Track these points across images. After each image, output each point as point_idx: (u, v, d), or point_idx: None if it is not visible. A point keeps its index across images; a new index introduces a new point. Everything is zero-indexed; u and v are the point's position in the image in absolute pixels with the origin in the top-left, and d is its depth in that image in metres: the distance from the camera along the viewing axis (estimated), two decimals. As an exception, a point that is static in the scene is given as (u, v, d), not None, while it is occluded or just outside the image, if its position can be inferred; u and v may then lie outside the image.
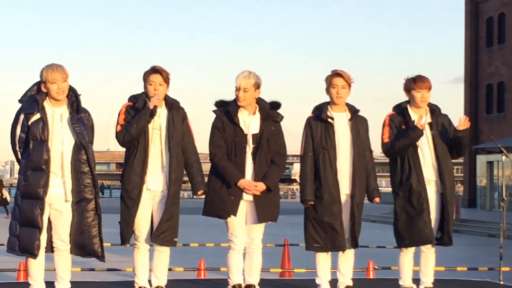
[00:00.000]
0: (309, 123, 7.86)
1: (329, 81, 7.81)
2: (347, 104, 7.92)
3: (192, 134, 7.76)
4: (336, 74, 7.79)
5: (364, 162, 7.84)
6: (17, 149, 7.23)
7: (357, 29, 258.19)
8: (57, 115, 7.20)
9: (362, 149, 7.82)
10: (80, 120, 7.23)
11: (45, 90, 7.18)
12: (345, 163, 7.79)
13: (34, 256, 7.13)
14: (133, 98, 7.68)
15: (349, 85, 7.82)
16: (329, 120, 7.78)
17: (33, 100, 7.17)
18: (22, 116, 7.17)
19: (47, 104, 7.20)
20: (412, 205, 7.81)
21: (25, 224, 7.11)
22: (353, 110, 7.89)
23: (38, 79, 7.23)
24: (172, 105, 7.68)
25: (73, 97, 7.24)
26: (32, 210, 7.08)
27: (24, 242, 7.12)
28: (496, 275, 10.65)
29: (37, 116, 7.12)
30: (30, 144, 7.10)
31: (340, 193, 7.74)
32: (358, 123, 7.87)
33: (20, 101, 7.25)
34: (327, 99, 7.91)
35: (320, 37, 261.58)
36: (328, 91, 7.84)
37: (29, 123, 7.10)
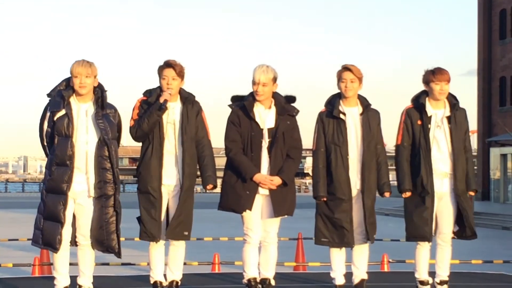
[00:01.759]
0: (321, 119, 7.89)
1: (338, 75, 7.87)
2: (359, 98, 7.92)
3: (207, 128, 7.75)
4: (345, 68, 7.83)
5: (375, 157, 7.86)
6: (45, 144, 7.32)
7: (369, 22, 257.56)
8: (82, 111, 7.26)
9: (373, 143, 7.85)
10: (106, 116, 7.28)
11: (72, 85, 7.26)
12: (356, 159, 7.83)
13: (56, 250, 7.19)
14: (147, 93, 7.69)
15: (359, 79, 7.84)
16: (341, 116, 7.80)
17: (59, 96, 7.24)
18: (49, 111, 7.25)
19: (73, 99, 7.27)
20: (415, 201, 7.86)
21: (48, 218, 7.19)
22: (365, 104, 7.90)
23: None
24: (186, 99, 7.68)
25: (99, 93, 7.29)
26: (55, 205, 7.15)
27: (47, 236, 7.20)
28: (511, 267, 10.64)
29: (62, 112, 7.19)
30: (55, 139, 7.18)
31: (351, 190, 7.78)
32: (370, 117, 7.89)
33: (48, 95, 7.34)
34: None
35: (334, 31, 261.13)
36: (338, 85, 7.89)
37: (55, 118, 7.18)
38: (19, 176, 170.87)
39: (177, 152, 7.63)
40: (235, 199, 7.70)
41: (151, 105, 7.56)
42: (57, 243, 7.16)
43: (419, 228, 7.83)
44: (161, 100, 7.50)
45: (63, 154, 7.13)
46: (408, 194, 7.88)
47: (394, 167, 8.02)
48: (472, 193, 7.98)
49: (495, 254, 15.67)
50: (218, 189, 7.96)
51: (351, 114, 7.87)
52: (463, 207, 7.83)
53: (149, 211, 7.58)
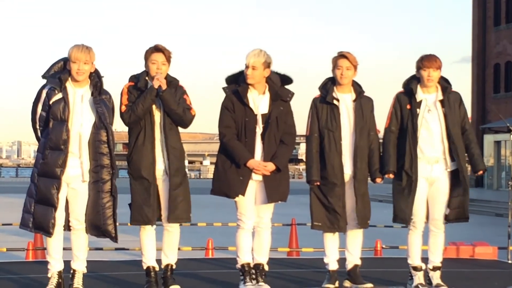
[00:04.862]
0: (315, 104, 7.91)
1: (334, 62, 7.88)
2: (353, 85, 7.94)
3: (189, 104, 7.61)
4: (341, 55, 7.84)
5: (368, 143, 7.88)
6: (37, 127, 7.28)
7: (363, 8, 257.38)
8: (78, 95, 7.22)
9: (365, 130, 7.87)
10: (102, 101, 7.25)
11: (69, 68, 7.21)
12: (349, 144, 7.86)
13: (49, 234, 7.17)
14: (134, 78, 7.64)
15: (355, 67, 7.85)
16: (335, 101, 7.81)
17: (56, 77, 7.17)
18: (44, 94, 7.20)
19: (69, 84, 7.23)
20: (399, 184, 7.88)
21: (40, 202, 7.15)
22: (358, 91, 7.92)
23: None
24: (171, 83, 7.61)
25: (96, 78, 7.26)
26: (48, 189, 7.12)
27: (39, 220, 7.16)
28: (504, 254, 10.69)
29: (59, 95, 7.14)
30: (50, 123, 7.15)
31: (344, 175, 7.81)
32: (363, 104, 7.91)
33: (43, 76, 7.28)
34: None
35: (327, 17, 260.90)
36: (333, 72, 7.89)
37: (51, 102, 7.15)
38: (12, 161, 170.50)
39: (162, 136, 7.60)
40: (228, 184, 7.69)
41: (140, 90, 7.53)
42: (50, 227, 7.14)
43: (400, 212, 7.86)
44: (155, 85, 7.45)
45: (58, 138, 7.11)
46: (391, 175, 7.90)
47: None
48: (481, 173, 8.00)
49: (488, 241, 15.73)
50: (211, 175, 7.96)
51: (345, 101, 7.89)
52: (465, 189, 7.85)
53: (143, 195, 7.54)
